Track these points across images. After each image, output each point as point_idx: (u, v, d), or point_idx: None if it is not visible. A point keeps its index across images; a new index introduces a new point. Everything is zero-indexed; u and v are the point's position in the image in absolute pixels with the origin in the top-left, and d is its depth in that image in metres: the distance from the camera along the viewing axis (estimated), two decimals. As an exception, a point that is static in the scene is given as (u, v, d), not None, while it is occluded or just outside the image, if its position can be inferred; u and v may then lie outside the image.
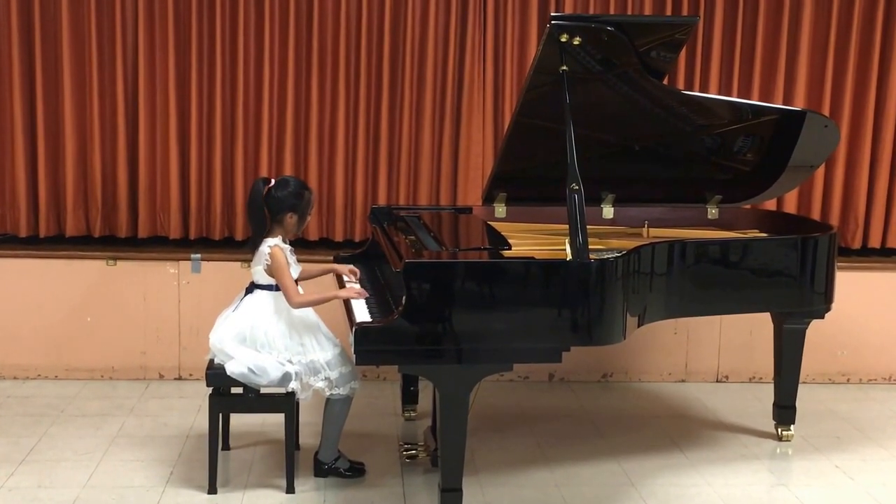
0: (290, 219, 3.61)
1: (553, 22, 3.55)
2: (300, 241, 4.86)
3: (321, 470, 3.75)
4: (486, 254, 3.53)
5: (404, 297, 3.17)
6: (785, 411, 4.30)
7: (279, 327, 3.58)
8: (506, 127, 4.25)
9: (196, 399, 4.55)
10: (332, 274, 3.96)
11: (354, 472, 3.77)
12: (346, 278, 3.83)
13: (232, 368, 3.52)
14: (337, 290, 3.67)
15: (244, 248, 3.79)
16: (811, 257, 3.98)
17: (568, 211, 3.35)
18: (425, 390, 4.30)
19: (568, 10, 4.96)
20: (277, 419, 3.67)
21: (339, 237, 5.08)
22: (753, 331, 4.97)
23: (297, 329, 3.60)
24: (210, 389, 3.62)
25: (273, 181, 3.63)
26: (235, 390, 3.63)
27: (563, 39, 3.56)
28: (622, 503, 3.65)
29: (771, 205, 5.03)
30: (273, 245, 3.56)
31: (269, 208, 3.60)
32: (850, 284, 4.82)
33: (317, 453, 3.77)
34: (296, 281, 3.61)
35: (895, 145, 5.20)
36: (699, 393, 4.95)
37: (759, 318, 4.36)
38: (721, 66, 5.09)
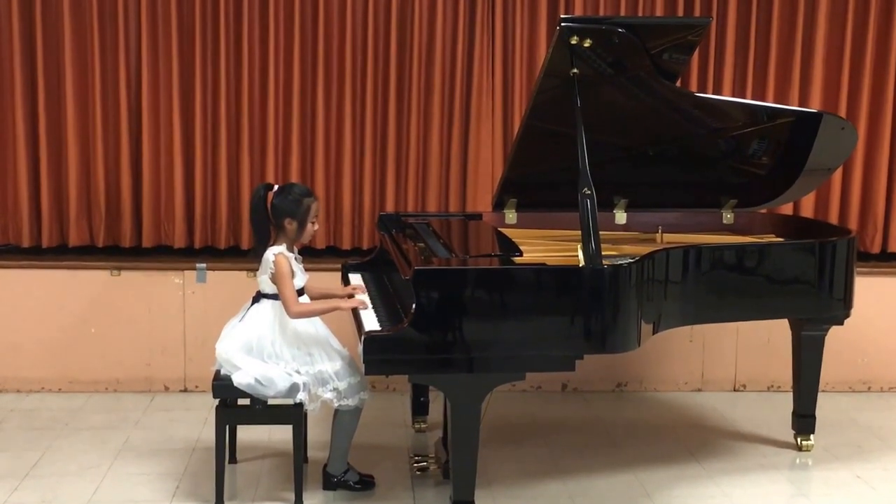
0: (290, 225, 3.55)
1: (563, 24, 3.50)
2: (307, 250, 4.80)
3: (330, 483, 3.69)
4: (497, 260, 3.49)
5: (414, 305, 3.12)
6: (804, 420, 4.23)
7: (286, 337, 3.53)
8: (516, 131, 4.19)
9: (202, 411, 4.49)
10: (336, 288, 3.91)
11: (364, 484, 3.72)
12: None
13: (239, 379, 3.46)
14: (338, 301, 3.61)
15: (250, 256, 3.74)
16: (829, 262, 3.92)
17: (580, 216, 3.30)
18: (436, 401, 4.25)
19: (578, 11, 4.91)
20: (285, 431, 3.61)
21: (346, 245, 5.03)
22: (771, 338, 4.89)
23: (305, 339, 3.54)
24: (216, 401, 3.56)
25: (276, 187, 3.58)
26: (242, 402, 3.58)
27: (574, 42, 3.51)
28: (639, 516, 3.59)
29: (787, 209, 4.97)
30: (277, 253, 3.50)
31: (271, 214, 3.55)
32: (870, 290, 4.75)
33: (325, 466, 3.72)
34: (302, 289, 3.55)
35: (914, 147, 5.14)
36: (716, 402, 4.88)
37: (776, 324, 4.29)
38: (735, 68, 5.03)
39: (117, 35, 4.79)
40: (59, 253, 4.90)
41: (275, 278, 3.50)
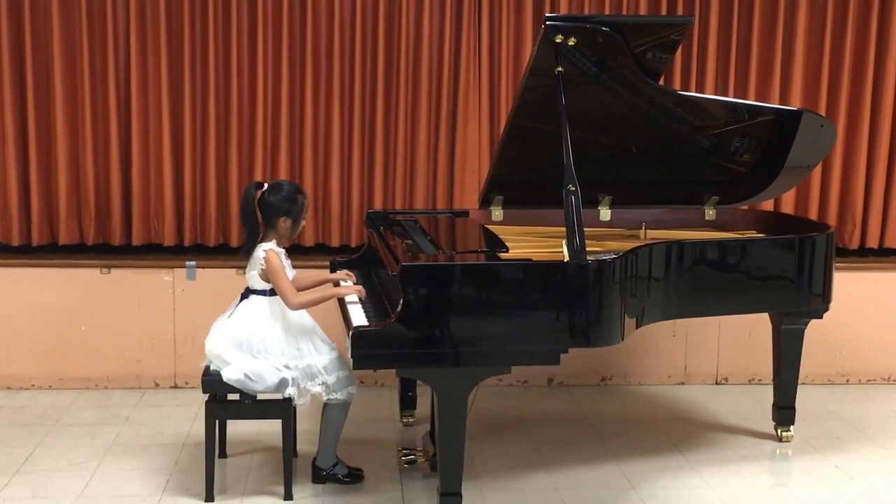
0: (284, 223, 3.60)
1: (548, 23, 3.54)
2: (296, 247, 4.85)
3: (319, 476, 3.73)
4: (483, 256, 3.52)
5: (401, 301, 3.15)
6: (784, 412, 4.29)
7: (275, 332, 3.56)
8: (502, 129, 4.24)
9: (192, 407, 4.52)
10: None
11: (353, 478, 3.76)
12: (342, 283, 3.80)
13: (228, 375, 3.50)
14: (335, 289, 3.65)
15: (239, 254, 3.78)
16: (809, 257, 3.98)
17: (565, 212, 3.34)
18: (423, 396, 4.29)
19: (563, 11, 4.95)
20: (274, 426, 3.65)
21: (335, 242, 5.06)
22: (752, 332, 4.96)
23: (294, 333, 3.58)
24: (206, 396, 3.60)
25: (266, 185, 3.62)
26: (232, 397, 3.61)
27: (558, 40, 3.55)
28: (623, 506, 3.65)
29: (768, 205, 5.03)
30: (267, 249, 3.54)
31: (263, 213, 3.59)
32: (848, 285, 4.83)
33: (315, 459, 3.75)
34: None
35: (892, 144, 5.21)
36: (699, 395, 4.94)
37: (757, 319, 4.35)
38: (717, 66, 5.10)
39: (106, 34, 4.81)
40: (49, 251, 4.91)
41: (266, 274, 3.54)
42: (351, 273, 3.83)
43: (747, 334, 5.00)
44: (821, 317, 4.15)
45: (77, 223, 4.95)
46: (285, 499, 3.59)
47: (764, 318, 4.26)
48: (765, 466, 4.07)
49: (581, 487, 3.78)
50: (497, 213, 4.39)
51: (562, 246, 3.36)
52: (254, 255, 3.57)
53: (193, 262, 4.80)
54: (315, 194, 5.00)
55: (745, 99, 4.99)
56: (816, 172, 5.11)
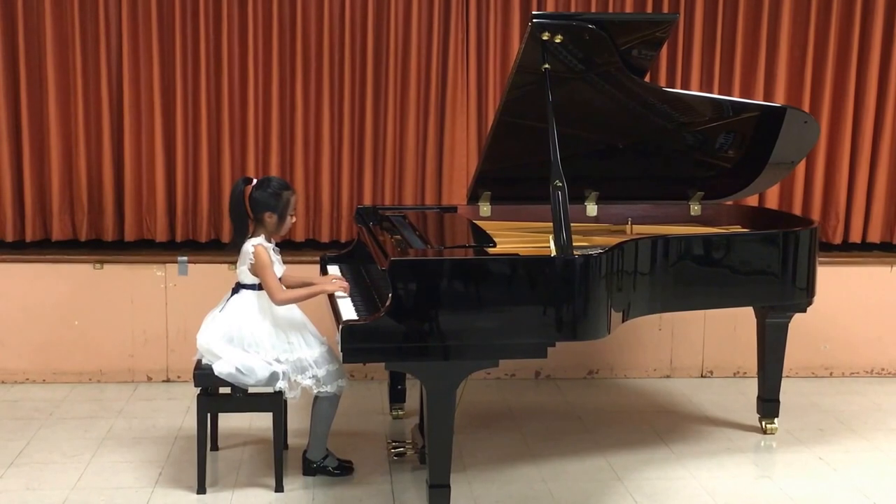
0: (270, 218, 3.63)
1: (534, 20, 3.56)
2: (286, 242, 4.89)
3: (309, 468, 3.77)
4: (471, 251, 3.55)
5: (390, 295, 3.19)
6: (769, 405, 4.34)
7: (266, 326, 3.60)
8: (489, 126, 4.28)
9: (184, 400, 4.56)
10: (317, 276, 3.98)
11: (343, 470, 3.79)
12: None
13: (219, 368, 3.53)
14: (321, 285, 3.69)
15: (227, 249, 3.80)
16: (793, 252, 4.01)
17: (552, 208, 3.38)
18: (413, 389, 4.33)
19: (549, 8, 5.00)
20: (265, 419, 3.69)
21: (325, 238, 5.10)
22: (737, 326, 5.00)
23: (284, 327, 3.61)
24: (198, 390, 3.63)
25: (255, 181, 3.65)
26: (223, 390, 3.65)
27: (545, 38, 3.58)
28: (609, 497, 3.68)
29: (753, 200, 5.08)
30: (256, 244, 3.57)
31: (251, 208, 3.62)
32: (832, 279, 4.87)
33: (305, 452, 3.79)
34: (280, 280, 3.63)
35: (874, 140, 5.27)
36: (684, 388, 4.99)
37: (742, 313, 4.39)
38: (702, 63, 5.14)
39: (98, 31, 4.84)
40: (43, 247, 4.95)
41: (255, 269, 3.57)
42: (342, 278, 3.85)
43: (732, 328, 5.05)
44: (805, 311, 4.19)
45: (70, 219, 4.98)
46: (276, 491, 3.63)
47: (749, 311, 4.30)
48: (749, 458, 4.11)
49: (568, 479, 3.83)
50: (485, 208, 4.42)
51: (549, 241, 3.40)
52: (243, 250, 3.61)
53: (185, 258, 4.84)
54: (305, 190, 5.03)
55: (729, 95, 5.04)
56: (800, 168, 5.17)
